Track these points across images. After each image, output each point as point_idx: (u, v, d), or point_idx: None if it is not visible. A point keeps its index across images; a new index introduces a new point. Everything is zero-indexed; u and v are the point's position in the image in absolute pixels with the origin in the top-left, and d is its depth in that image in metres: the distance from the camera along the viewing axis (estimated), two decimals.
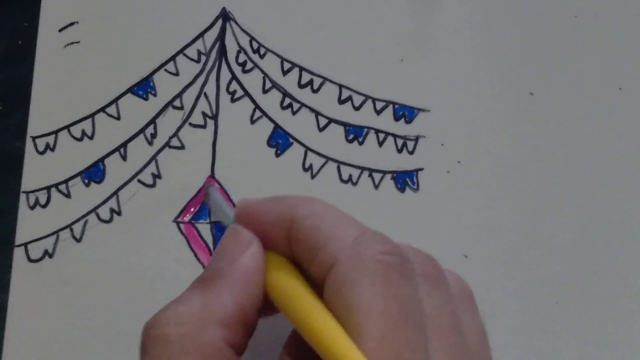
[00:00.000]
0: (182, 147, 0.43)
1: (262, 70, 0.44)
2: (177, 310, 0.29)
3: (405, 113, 0.44)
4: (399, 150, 0.43)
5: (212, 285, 0.30)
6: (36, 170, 0.42)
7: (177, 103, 0.43)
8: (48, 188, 0.42)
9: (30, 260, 0.41)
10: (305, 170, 0.43)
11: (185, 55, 0.44)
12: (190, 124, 0.43)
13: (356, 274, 0.28)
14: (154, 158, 0.42)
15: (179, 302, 0.30)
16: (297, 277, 0.31)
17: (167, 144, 0.43)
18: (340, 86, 0.44)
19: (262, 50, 0.44)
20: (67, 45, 0.44)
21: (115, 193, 0.42)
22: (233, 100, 0.44)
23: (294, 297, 0.30)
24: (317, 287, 0.30)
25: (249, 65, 0.44)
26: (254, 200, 0.33)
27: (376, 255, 0.29)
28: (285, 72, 0.44)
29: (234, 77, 0.44)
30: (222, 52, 0.44)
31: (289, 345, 0.32)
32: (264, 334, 0.35)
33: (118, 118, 0.43)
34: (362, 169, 0.43)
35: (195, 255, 0.41)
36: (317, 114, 0.44)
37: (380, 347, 0.27)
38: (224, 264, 0.31)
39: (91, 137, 0.43)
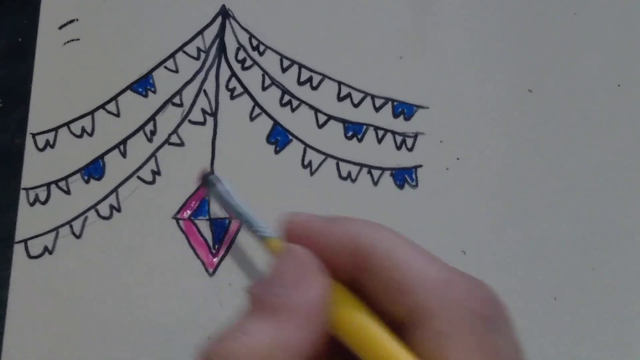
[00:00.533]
0: (181, 144, 0.43)
1: (261, 68, 0.44)
2: (247, 343, 0.27)
3: (404, 110, 0.44)
4: (398, 147, 0.43)
5: (277, 317, 0.28)
6: (36, 167, 0.42)
7: (176, 100, 0.43)
8: (48, 185, 0.42)
9: (30, 256, 0.41)
10: (304, 166, 0.43)
11: (184, 52, 0.44)
12: (190, 121, 0.43)
13: (448, 327, 0.26)
14: (153, 155, 0.42)
15: (247, 334, 0.28)
16: (369, 316, 0.28)
17: (166, 141, 0.43)
18: (340, 83, 0.44)
19: (262, 48, 0.44)
20: (67, 42, 0.44)
21: (115, 190, 0.42)
22: (232, 97, 0.44)
23: (374, 341, 0.28)
24: (386, 318, 0.28)
25: (249, 62, 0.44)
26: (308, 218, 0.30)
27: (471, 305, 0.27)
28: (284, 69, 0.44)
29: (233, 74, 0.44)
30: (222, 49, 0.44)
31: None
32: None
33: (118, 115, 0.43)
34: (361, 165, 0.43)
35: (195, 251, 0.41)
36: (317, 110, 0.44)
37: None
38: (289, 293, 0.29)
39: (91, 134, 0.43)
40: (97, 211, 0.41)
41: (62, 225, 0.41)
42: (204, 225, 0.41)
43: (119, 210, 0.41)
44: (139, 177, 0.42)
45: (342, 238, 0.29)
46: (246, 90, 0.44)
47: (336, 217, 0.30)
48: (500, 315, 0.27)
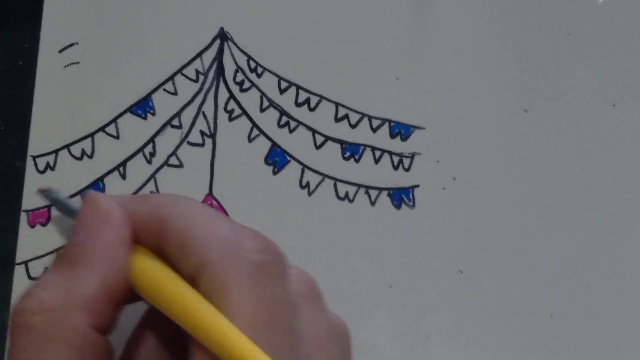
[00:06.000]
0: (180, 166, 0.43)
1: (259, 89, 0.45)
2: (41, 297, 0.29)
3: (401, 130, 0.44)
4: (395, 168, 0.44)
5: (74, 267, 0.30)
6: (36, 189, 0.42)
7: (175, 122, 0.44)
8: (48, 207, 0.42)
9: (30, 278, 0.41)
10: (302, 187, 0.43)
11: (183, 74, 0.45)
12: (189, 143, 0.44)
13: (226, 277, 0.28)
14: (152, 176, 0.43)
15: (42, 288, 0.29)
16: (167, 270, 0.30)
17: (165, 163, 0.43)
18: (337, 104, 0.45)
19: (260, 70, 0.45)
20: (67, 65, 0.44)
21: None
22: (231, 119, 0.44)
23: (167, 288, 0.29)
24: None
25: (247, 84, 0.45)
26: (124, 198, 0.32)
27: (247, 255, 0.28)
28: (282, 91, 0.45)
29: (231, 96, 0.44)
30: (220, 72, 0.45)
31: (145, 322, 0.32)
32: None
33: (117, 137, 0.43)
34: (359, 186, 0.43)
35: None
36: (314, 132, 0.44)
37: None
38: (84, 239, 0.30)
39: (91, 156, 0.43)
40: None
41: (62, 247, 0.41)
42: None
43: None
44: None
45: (149, 213, 0.30)
46: (244, 112, 0.44)
47: (146, 195, 0.33)
48: (279, 264, 0.29)
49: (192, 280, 0.29)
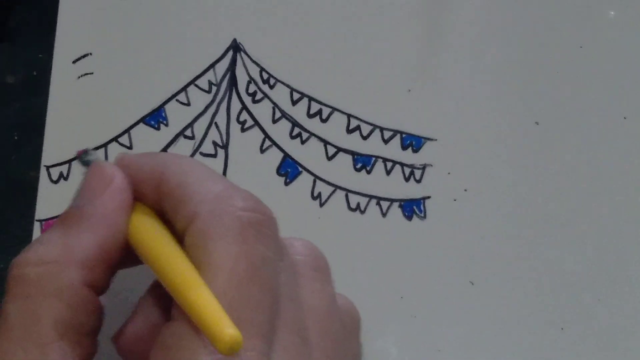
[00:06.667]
0: None
1: (271, 101, 0.45)
2: (38, 250, 0.30)
3: (412, 142, 0.44)
4: (407, 179, 0.44)
5: (73, 225, 0.31)
6: (50, 199, 0.43)
7: (188, 133, 0.44)
8: None
9: None
10: (314, 198, 0.43)
11: (196, 85, 0.45)
12: (201, 153, 0.44)
13: (212, 230, 0.28)
14: None
15: (41, 243, 0.30)
16: (160, 227, 0.31)
17: None
18: (349, 116, 0.45)
19: (272, 81, 0.45)
20: (81, 76, 0.45)
21: None
22: (243, 129, 0.44)
23: (155, 246, 0.30)
24: (178, 236, 0.30)
25: (259, 95, 0.45)
26: (129, 156, 0.33)
27: (235, 212, 0.29)
28: (294, 102, 0.45)
29: (244, 107, 0.45)
30: (233, 83, 0.45)
31: (152, 289, 0.32)
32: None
33: (130, 147, 0.44)
34: (370, 197, 0.43)
35: None
36: (326, 143, 0.44)
37: (222, 304, 0.27)
38: (85, 201, 0.31)
39: None
40: None
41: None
42: None
43: None
44: None
45: (151, 169, 0.31)
46: (257, 123, 0.44)
47: (151, 153, 0.34)
48: (267, 224, 0.30)
49: (183, 235, 0.30)
